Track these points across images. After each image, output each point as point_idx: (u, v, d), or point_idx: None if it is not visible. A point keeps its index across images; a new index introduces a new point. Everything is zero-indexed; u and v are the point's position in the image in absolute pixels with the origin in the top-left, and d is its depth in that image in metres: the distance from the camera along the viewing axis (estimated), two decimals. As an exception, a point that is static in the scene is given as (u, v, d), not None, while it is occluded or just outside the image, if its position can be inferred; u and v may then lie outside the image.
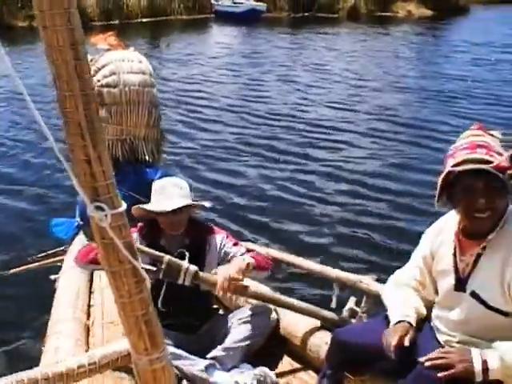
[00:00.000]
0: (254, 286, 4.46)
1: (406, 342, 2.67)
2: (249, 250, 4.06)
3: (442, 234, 2.85)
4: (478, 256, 2.63)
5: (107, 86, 5.62)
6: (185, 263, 3.57)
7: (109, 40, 6.03)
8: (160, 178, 5.90)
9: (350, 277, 4.03)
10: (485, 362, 2.41)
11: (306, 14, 34.77)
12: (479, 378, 2.41)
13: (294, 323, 4.07)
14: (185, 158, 10.19)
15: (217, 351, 3.81)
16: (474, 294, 2.64)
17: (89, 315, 4.47)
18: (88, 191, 1.56)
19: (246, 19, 32.06)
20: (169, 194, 3.86)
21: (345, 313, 3.81)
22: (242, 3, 34.57)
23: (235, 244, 4.06)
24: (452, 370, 2.41)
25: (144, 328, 1.77)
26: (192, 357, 3.71)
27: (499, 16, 34.86)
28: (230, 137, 11.48)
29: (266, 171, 9.87)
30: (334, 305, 4.05)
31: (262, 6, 34.34)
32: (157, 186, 4.00)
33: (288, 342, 4.08)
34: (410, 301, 2.92)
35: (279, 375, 3.86)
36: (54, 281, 5.01)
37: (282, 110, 13.25)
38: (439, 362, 2.47)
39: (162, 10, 32.63)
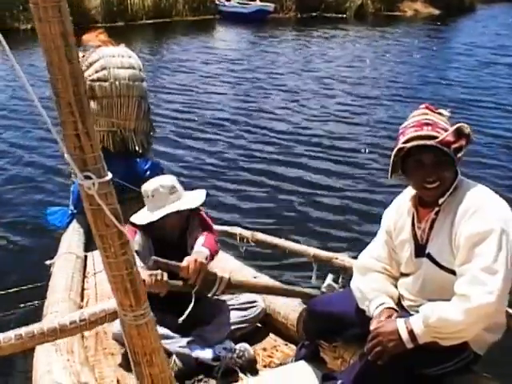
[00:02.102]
0: (238, 270, 4.72)
1: None
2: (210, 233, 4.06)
3: (400, 208, 3.07)
4: (433, 221, 2.85)
5: (98, 80, 5.85)
6: (218, 273, 3.70)
7: (99, 37, 6.27)
8: (150, 167, 6.18)
9: (327, 254, 4.36)
10: (411, 330, 2.63)
11: (313, 13, 33.65)
12: (410, 345, 2.64)
13: (277, 302, 4.28)
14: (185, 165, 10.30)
15: (202, 330, 3.99)
16: (429, 257, 2.84)
17: (83, 297, 4.66)
18: (78, 162, 1.78)
19: (253, 20, 31.29)
20: (160, 200, 3.89)
21: (323, 289, 4.00)
22: (248, 4, 33.74)
23: (204, 229, 4.07)
24: (384, 352, 2.65)
25: (129, 286, 1.98)
26: (175, 335, 3.90)
27: (504, 14, 34.82)
28: (233, 140, 11.47)
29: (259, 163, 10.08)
30: (313, 281, 4.31)
31: (269, 6, 33.28)
32: (148, 190, 3.96)
33: (271, 318, 4.29)
34: (380, 289, 3.06)
35: (263, 350, 4.09)
36: (50, 266, 5.17)
37: (286, 116, 13.08)
38: (371, 345, 2.70)
39: (167, 12, 31.35)
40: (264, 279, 4.55)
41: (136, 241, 3.86)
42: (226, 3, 34.17)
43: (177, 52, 22.11)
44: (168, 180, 4.02)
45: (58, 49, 1.66)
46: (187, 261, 3.59)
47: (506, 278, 2.57)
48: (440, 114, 2.83)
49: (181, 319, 3.72)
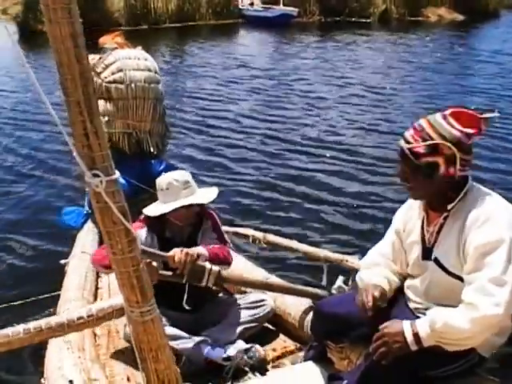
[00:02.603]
0: (250, 271, 4.75)
1: (379, 301, 2.95)
2: (223, 242, 4.13)
3: (411, 209, 3.10)
4: (441, 226, 2.86)
5: (114, 82, 5.92)
6: (207, 264, 3.74)
7: (116, 39, 6.34)
8: (164, 169, 6.21)
9: (337, 256, 4.41)
10: (416, 333, 2.65)
11: (337, 18, 33.71)
12: (414, 347, 2.66)
13: (288, 303, 4.31)
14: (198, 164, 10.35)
15: (212, 330, 4.04)
16: (436, 261, 2.86)
17: (96, 296, 4.72)
18: (86, 161, 1.82)
19: (277, 24, 31.19)
20: (173, 193, 3.94)
21: (333, 290, 4.04)
22: (272, 8, 33.52)
23: (219, 236, 4.14)
24: (389, 353, 2.68)
25: (135, 282, 2.02)
26: (186, 335, 3.93)
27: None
28: (252, 144, 11.46)
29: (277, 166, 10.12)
30: (324, 283, 4.34)
31: (293, 10, 33.16)
32: (162, 183, 4.01)
33: (282, 320, 4.32)
34: (381, 273, 3.15)
35: (272, 351, 4.11)
36: (64, 265, 5.23)
37: (308, 121, 12.96)
38: (377, 345, 2.73)
39: (190, 15, 31.67)
40: (274, 280, 4.57)
41: (138, 235, 3.89)
42: (250, 7, 34.17)
43: (199, 56, 22.06)
44: (182, 175, 4.08)
45: (68, 50, 1.71)
46: (174, 251, 3.63)
47: None
48: (452, 125, 2.75)
49: (184, 304, 3.80)
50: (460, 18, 35.30)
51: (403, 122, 12.23)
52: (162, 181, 4.02)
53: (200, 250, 3.81)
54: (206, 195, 4.07)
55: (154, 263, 3.59)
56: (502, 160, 10.17)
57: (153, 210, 4.01)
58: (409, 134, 2.77)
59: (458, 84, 16.73)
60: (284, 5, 33.70)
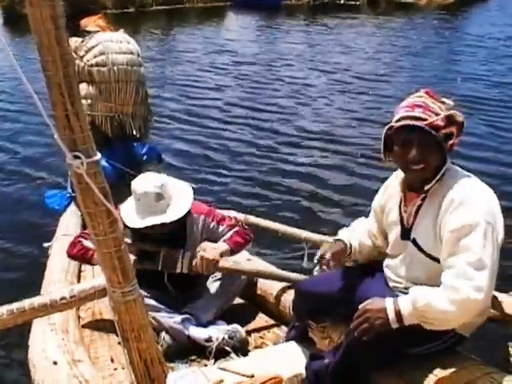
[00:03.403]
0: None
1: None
2: (233, 226, 4.20)
3: (388, 189, 3.14)
4: (419, 206, 2.89)
5: (97, 65, 5.90)
6: (180, 251, 3.88)
7: (98, 22, 6.32)
8: (147, 152, 6.25)
9: (319, 237, 4.46)
10: (398, 311, 2.68)
11: (326, 0, 33.10)
12: (395, 325, 2.69)
13: (269, 283, 4.38)
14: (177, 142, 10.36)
15: (192, 307, 4.08)
16: (414, 242, 2.90)
17: (79, 279, 4.73)
18: (67, 142, 1.84)
19: (266, 7, 30.54)
20: (146, 205, 3.83)
21: (315, 272, 4.07)
22: None
23: (219, 222, 4.18)
24: (371, 329, 2.71)
25: (117, 263, 2.06)
26: (169, 310, 3.99)
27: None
28: (236, 129, 11.43)
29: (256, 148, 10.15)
30: (305, 263, 4.40)
31: None
32: (136, 190, 3.86)
33: (263, 300, 4.38)
34: (357, 233, 3.28)
35: (255, 331, 4.16)
36: (47, 248, 5.23)
37: (294, 108, 12.87)
38: (358, 321, 2.75)
39: None
40: (257, 263, 4.62)
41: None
42: None
43: (186, 40, 21.85)
44: (155, 184, 3.86)
45: (48, 32, 1.72)
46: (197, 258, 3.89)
47: (492, 273, 2.61)
48: (442, 102, 2.85)
49: (166, 282, 4.03)
50: (449, 0, 35.14)
51: (390, 109, 12.06)
52: (137, 188, 3.87)
53: (222, 247, 3.97)
54: (176, 210, 3.90)
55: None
56: (487, 147, 10.16)
57: (127, 216, 3.89)
58: (417, 112, 2.74)
59: (447, 70, 16.56)
60: None
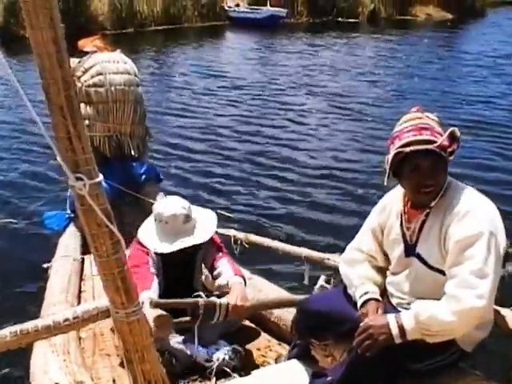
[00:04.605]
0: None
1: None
2: (226, 254, 4.23)
3: (387, 208, 3.14)
4: (423, 222, 2.90)
5: (94, 85, 5.93)
6: (216, 300, 3.77)
7: (95, 43, 6.35)
8: (145, 171, 6.26)
9: (319, 255, 4.47)
10: (401, 325, 2.70)
11: (325, 19, 33.35)
12: (398, 340, 2.70)
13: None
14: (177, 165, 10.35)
15: (196, 329, 4.06)
16: (419, 257, 2.91)
17: (80, 300, 4.71)
18: (69, 164, 1.84)
19: (265, 25, 30.52)
20: (174, 227, 3.89)
21: (316, 290, 4.07)
22: (260, 9, 32.88)
23: (218, 248, 4.20)
24: (374, 345, 2.71)
25: (120, 284, 2.04)
26: (172, 331, 3.96)
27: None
28: (235, 147, 11.52)
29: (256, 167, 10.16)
30: (306, 281, 4.40)
31: (282, 11, 32.45)
32: (163, 215, 3.91)
33: (264, 318, 4.36)
34: (366, 276, 3.17)
35: (256, 350, 4.15)
36: (47, 269, 5.22)
37: (292, 126, 13.02)
38: (362, 337, 2.76)
39: (176, 18, 31.11)
40: (258, 281, 4.62)
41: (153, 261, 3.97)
42: (236, 8, 33.51)
43: (185, 59, 21.87)
44: (182, 207, 3.95)
45: (50, 54, 1.72)
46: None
47: (494, 281, 2.65)
48: (432, 119, 2.88)
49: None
50: (448, 16, 35.24)
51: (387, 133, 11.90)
52: (164, 211, 3.92)
53: (242, 287, 3.91)
54: (205, 232, 4.00)
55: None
56: (488, 167, 10.20)
57: (151, 242, 3.93)
58: (426, 135, 2.76)
59: (447, 91, 16.47)
60: (271, 6, 33.01)
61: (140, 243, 3.99)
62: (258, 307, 4.12)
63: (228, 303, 3.75)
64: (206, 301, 3.72)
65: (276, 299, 4.24)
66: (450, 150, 2.77)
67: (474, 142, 11.27)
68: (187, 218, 3.91)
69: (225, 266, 4.05)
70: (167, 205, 3.97)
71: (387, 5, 35.22)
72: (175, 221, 3.87)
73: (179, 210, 3.90)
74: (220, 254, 4.14)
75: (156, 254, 3.97)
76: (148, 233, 4.01)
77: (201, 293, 3.80)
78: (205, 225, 4.05)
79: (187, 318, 3.72)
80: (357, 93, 16.15)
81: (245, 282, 4.00)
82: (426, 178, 2.78)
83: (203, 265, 4.26)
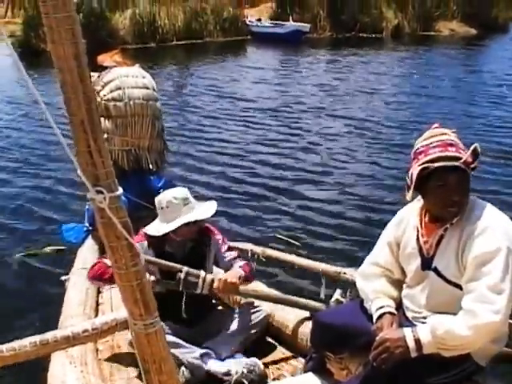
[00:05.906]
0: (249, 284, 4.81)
1: None
2: (238, 256, 4.33)
3: (403, 222, 3.15)
4: (441, 237, 2.92)
5: (113, 100, 6.00)
6: (202, 273, 3.91)
7: (114, 58, 6.43)
8: (163, 185, 6.29)
9: (335, 269, 4.47)
10: (417, 339, 2.72)
11: (348, 34, 32.83)
12: (414, 354, 2.73)
13: (285, 315, 4.37)
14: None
15: (212, 342, 4.08)
16: (435, 271, 2.93)
17: (97, 312, 4.74)
18: (90, 178, 1.87)
19: (288, 41, 29.77)
20: (174, 211, 4.01)
21: (332, 303, 4.09)
22: (283, 24, 32.06)
23: (229, 249, 4.32)
24: (390, 359, 2.73)
25: (139, 296, 2.07)
26: (189, 345, 3.98)
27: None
28: (255, 163, 11.45)
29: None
30: (322, 295, 4.41)
31: (305, 26, 31.55)
32: (162, 202, 4.08)
33: (280, 332, 4.37)
34: (382, 290, 3.18)
35: (272, 363, 4.15)
36: (65, 281, 5.26)
37: (318, 140, 12.97)
38: (378, 351, 2.78)
39: (198, 33, 30.94)
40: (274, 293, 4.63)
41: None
42: (258, 23, 33.05)
43: (206, 74, 21.68)
44: (181, 192, 4.15)
45: (71, 70, 1.76)
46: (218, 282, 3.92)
47: (510, 296, 2.66)
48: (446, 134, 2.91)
49: (183, 313, 4.03)
50: (472, 31, 34.85)
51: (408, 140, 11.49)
52: (162, 199, 4.10)
53: (240, 272, 4.05)
54: (206, 210, 4.14)
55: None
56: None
57: (154, 229, 4.09)
58: (452, 152, 2.79)
59: (472, 112, 15.93)
60: (293, 20, 32.22)
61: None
62: (251, 294, 4.23)
63: (213, 278, 3.90)
64: (191, 270, 3.89)
65: (276, 296, 4.33)
66: (472, 166, 2.81)
67: (495, 166, 11.09)
68: (186, 200, 4.07)
69: (227, 254, 4.24)
70: (165, 192, 4.18)
71: (411, 20, 34.73)
72: (175, 202, 4.02)
73: (177, 193, 4.11)
74: (233, 254, 4.29)
75: (167, 253, 4.08)
76: (151, 225, 4.16)
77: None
78: (204, 206, 4.19)
79: (173, 282, 3.88)
80: (379, 114, 15.76)
81: (248, 280, 4.14)
82: (453, 194, 2.80)
83: (214, 267, 4.34)
